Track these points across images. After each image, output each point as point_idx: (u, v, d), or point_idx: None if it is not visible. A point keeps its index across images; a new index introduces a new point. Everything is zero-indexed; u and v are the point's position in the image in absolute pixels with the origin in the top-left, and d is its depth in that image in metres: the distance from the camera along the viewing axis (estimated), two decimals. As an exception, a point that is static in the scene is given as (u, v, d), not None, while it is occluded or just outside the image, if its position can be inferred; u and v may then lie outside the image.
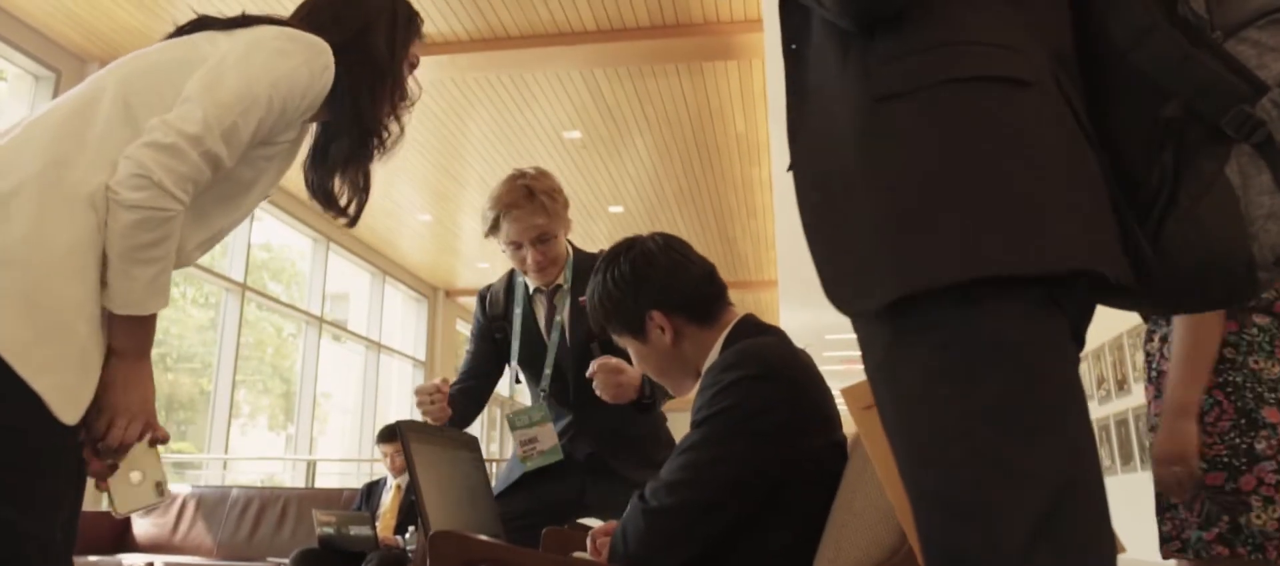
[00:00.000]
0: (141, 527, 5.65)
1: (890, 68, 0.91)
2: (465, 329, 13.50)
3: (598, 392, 2.08)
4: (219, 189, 1.36)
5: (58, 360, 1.17)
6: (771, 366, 1.46)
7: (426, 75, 6.47)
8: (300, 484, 8.82)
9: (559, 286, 2.43)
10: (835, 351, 12.73)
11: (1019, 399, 0.82)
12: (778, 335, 1.59)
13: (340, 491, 5.30)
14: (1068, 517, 0.79)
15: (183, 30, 1.46)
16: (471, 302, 10.34)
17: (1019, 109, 0.88)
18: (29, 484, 1.18)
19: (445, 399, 2.25)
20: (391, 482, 5.03)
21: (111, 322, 1.26)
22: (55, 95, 6.16)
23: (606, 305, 1.66)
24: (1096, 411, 6.61)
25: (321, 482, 8.74)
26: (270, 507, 5.12)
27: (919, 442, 0.86)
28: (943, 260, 0.83)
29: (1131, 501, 5.80)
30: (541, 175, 2.38)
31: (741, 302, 12.84)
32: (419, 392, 2.25)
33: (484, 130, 7.52)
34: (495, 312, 2.50)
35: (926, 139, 0.87)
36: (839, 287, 0.92)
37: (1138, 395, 5.87)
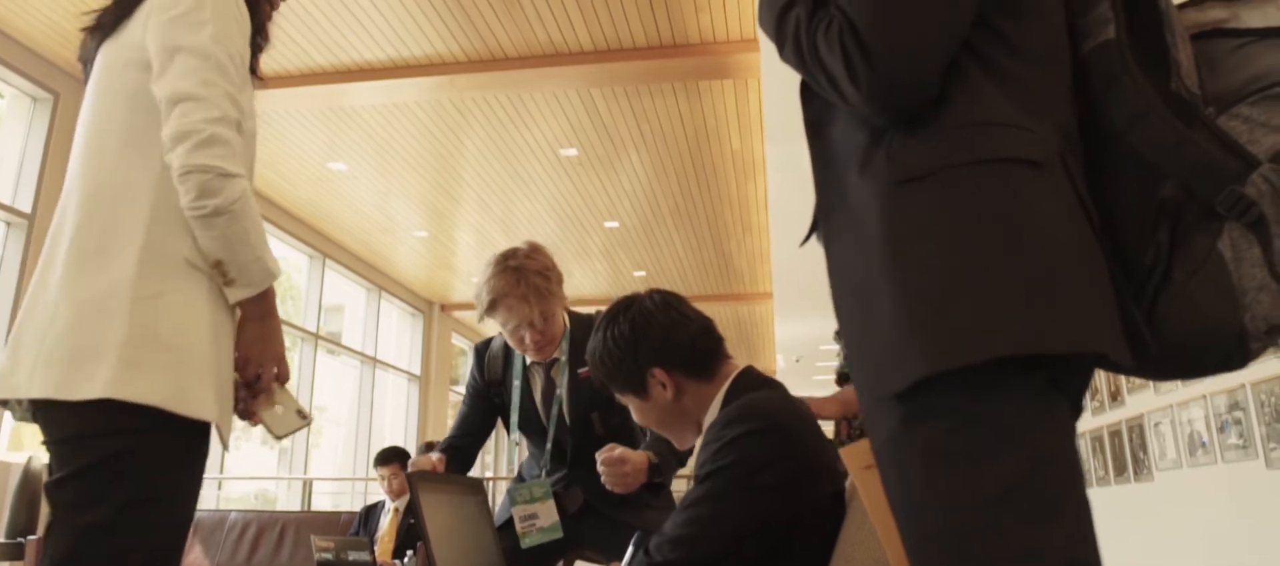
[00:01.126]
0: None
1: (913, 152, 0.93)
2: (461, 342, 13.52)
3: (606, 486, 2.05)
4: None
5: (202, 386, 1.37)
6: (773, 420, 1.48)
7: (423, 94, 6.50)
8: (295, 501, 8.80)
9: (556, 359, 2.41)
10: (829, 361, 12.74)
11: (1026, 483, 0.84)
12: (778, 388, 1.62)
13: (339, 515, 5.28)
14: None
15: (87, 61, 1.59)
16: (468, 316, 10.36)
17: (1032, 193, 0.90)
18: (196, 482, 1.42)
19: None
20: (389, 506, 5.02)
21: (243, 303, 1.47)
22: (53, 117, 6.18)
23: (607, 364, 1.68)
24: (1090, 422, 6.65)
25: (316, 500, 8.72)
26: (268, 531, 5.11)
27: (926, 523, 0.88)
28: (963, 341, 0.85)
29: (1125, 512, 5.81)
30: (533, 254, 2.35)
31: (737, 315, 12.85)
32: (415, 464, 2.25)
33: (480, 148, 7.54)
34: (493, 378, 2.49)
35: (944, 224, 0.90)
36: (867, 374, 0.94)
37: (1131, 406, 5.89)
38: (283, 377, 1.56)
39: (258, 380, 1.51)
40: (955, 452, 0.86)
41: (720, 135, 7.19)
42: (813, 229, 1.07)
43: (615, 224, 9.35)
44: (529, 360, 2.43)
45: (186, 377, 1.36)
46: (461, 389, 12.29)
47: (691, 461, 1.84)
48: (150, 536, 1.34)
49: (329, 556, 4.03)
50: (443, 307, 12.46)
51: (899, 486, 0.91)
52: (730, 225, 9.35)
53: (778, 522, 1.44)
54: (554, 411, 2.37)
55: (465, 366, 13.66)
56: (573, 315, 2.48)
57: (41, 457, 4.71)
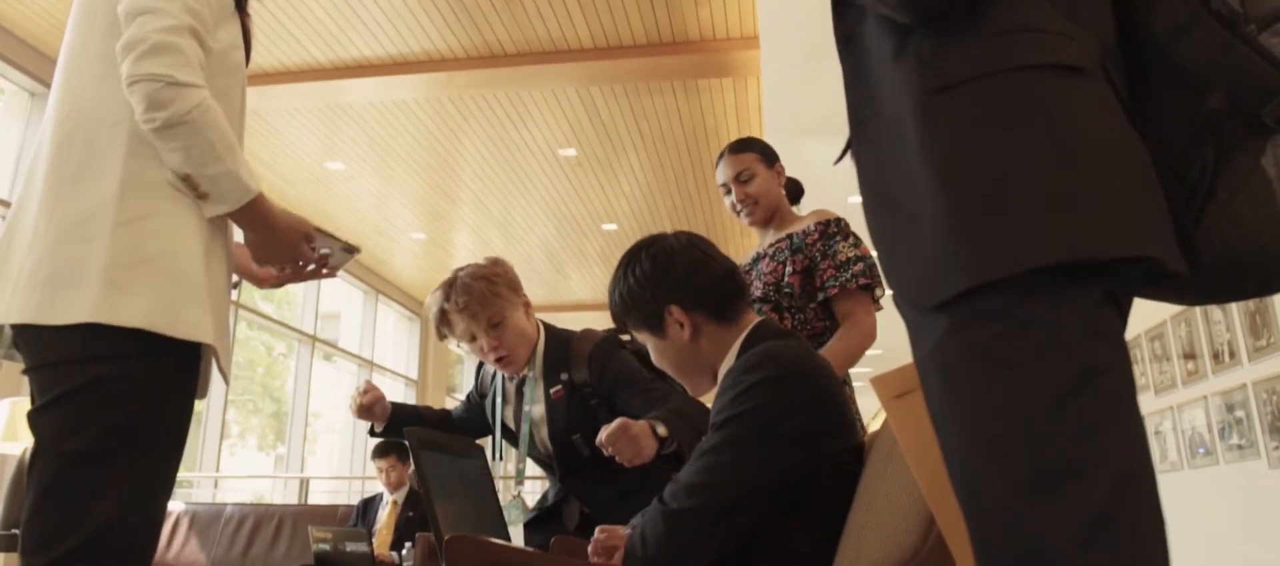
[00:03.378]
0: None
1: (945, 59, 0.91)
2: (457, 348, 13.45)
3: (619, 460, 1.88)
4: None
5: (196, 308, 1.34)
6: (793, 368, 1.46)
7: (421, 92, 6.49)
8: (292, 501, 8.76)
9: (525, 376, 2.31)
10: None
11: (1079, 391, 0.82)
12: (796, 339, 1.59)
13: (335, 508, 5.25)
14: (1127, 508, 0.80)
15: None
16: (466, 320, 10.04)
17: (1078, 96, 0.88)
18: (188, 409, 1.39)
19: (375, 397, 2.32)
20: (387, 498, 4.99)
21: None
22: (49, 111, 6.15)
23: (626, 300, 1.66)
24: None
25: (313, 500, 8.67)
26: (265, 525, 5.07)
27: (978, 431, 0.85)
28: (1017, 248, 0.83)
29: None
30: (481, 265, 2.30)
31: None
32: (352, 400, 2.31)
33: (479, 148, 7.52)
34: (484, 389, 2.49)
35: (988, 132, 0.87)
36: (909, 285, 0.92)
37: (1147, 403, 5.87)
38: (305, 258, 1.57)
39: (279, 277, 1.56)
40: (1007, 357, 0.84)
41: (719, 133, 7.19)
42: (846, 151, 1.06)
43: (613, 227, 9.33)
44: (506, 376, 2.36)
45: (178, 298, 1.32)
46: (459, 395, 12.23)
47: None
48: (139, 466, 1.29)
49: (326, 548, 4.00)
50: (440, 311, 12.41)
51: (945, 394, 0.89)
52: (728, 225, 9.34)
53: (795, 476, 1.41)
54: (524, 430, 2.28)
55: (462, 373, 13.64)
56: (549, 329, 2.36)
57: (36, 449, 4.68)
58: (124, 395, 1.29)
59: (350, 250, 1.62)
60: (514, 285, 2.29)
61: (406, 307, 11.81)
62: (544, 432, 2.27)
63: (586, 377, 2.22)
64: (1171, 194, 0.93)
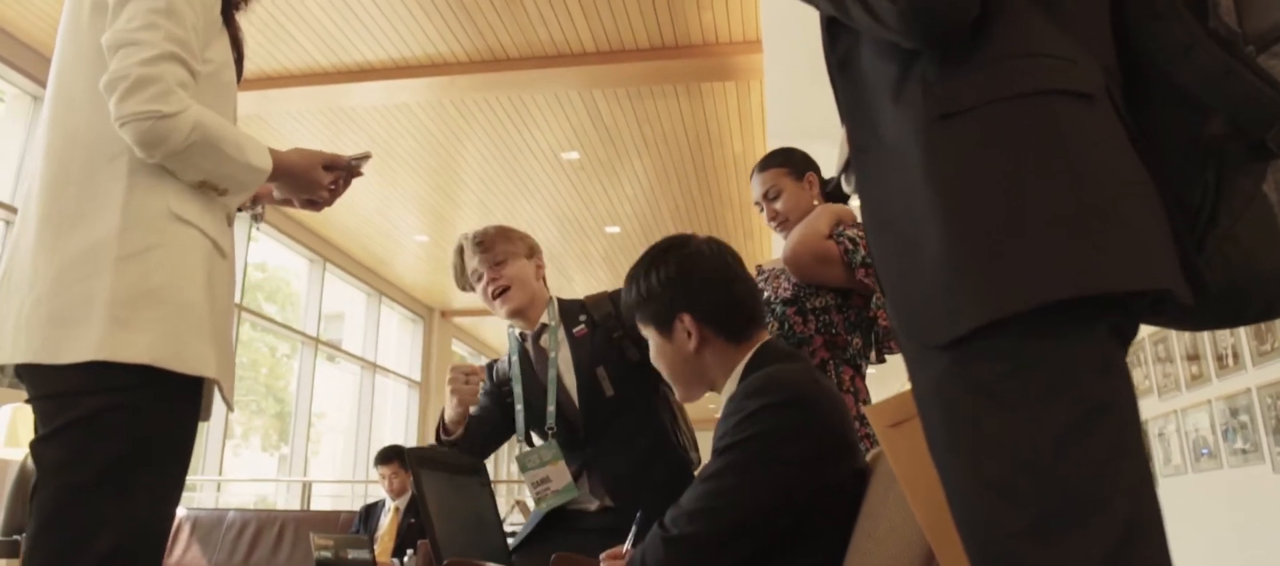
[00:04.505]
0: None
1: (950, 85, 0.89)
2: (461, 349, 13.48)
3: None
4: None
5: (200, 341, 1.34)
6: (796, 393, 1.44)
7: (424, 96, 6.48)
8: (295, 505, 8.75)
9: (545, 326, 2.41)
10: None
11: (1085, 432, 0.80)
12: (801, 361, 1.58)
13: (337, 514, 5.25)
14: (1136, 551, 0.78)
15: None
16: (468, 323, 10.32)
17: (1086, 125, 0.86)
18: (189, 443, 1.38)
19: (480, 382, 2.27)
20: (390, 505, 4.99)
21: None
22: (52, 115, 6.15)
23: (640, 294, 1.64)
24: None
25: (315, 505, 8.67)
26: (267, 530, 5.07)
27: (982, 470, 0.83)
28: (1027, 283, 0.81)
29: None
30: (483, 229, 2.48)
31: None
32: (455, 370, 2.25)
33: (482, 151, 7.52)
34: (501, 378, 2.49)
35: (994, 161, 0.85)
36: (912, 320, 0.89)
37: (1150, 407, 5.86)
38: (325, 185, 1.64)
39: (305, 206, 1.63)
40: (1010, 396, 0.82)
41: (722, 137, 7.17)
42: (842, 169, 1.04)
43: (616, 229, 9.32)
44: (519, 333, 2.45)
45: (182, 332, 1.31)
46: (462, 395, 12.14)
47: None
48: (140, 497, 1.29)
49: (328, 554, 3.99)
50: (443, 314, 12.42)
51: (947, 431, 0.87)
52: (731, 229, 9.33)
53: (796, 502, 1.40)
54: (551, 375, 2.34)
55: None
56: (559, 299, 2.49)
57: (38, 455, 4.68)
58: (126, 427, 1.28)
59: (363, 158, 1.70)
60: (530, 245, 2.46)
61: (409, 309, 11.81)
62: (569, 378, 2.33)
63: (610, 311, 2.37)
64: (1173, 219, 0.91)
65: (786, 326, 2.29)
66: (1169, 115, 0.93)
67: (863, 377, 2.34)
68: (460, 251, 2.47)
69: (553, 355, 2.36)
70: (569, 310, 2.43)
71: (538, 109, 6.78)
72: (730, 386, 1.57)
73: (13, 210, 5.97)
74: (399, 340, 11.94)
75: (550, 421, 2.31)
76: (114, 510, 1.26)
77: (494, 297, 2.39)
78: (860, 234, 2.31)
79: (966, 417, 0.85)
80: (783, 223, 2.47)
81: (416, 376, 11.97)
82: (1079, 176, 0.83)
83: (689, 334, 1.59)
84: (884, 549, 1.21)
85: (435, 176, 8.03)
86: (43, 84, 6.07)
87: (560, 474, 2.25)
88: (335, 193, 1.66)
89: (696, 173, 7.89)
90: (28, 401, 1.37)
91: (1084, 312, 0.81)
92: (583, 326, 2.38)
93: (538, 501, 2.25)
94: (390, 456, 4.98)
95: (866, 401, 2.30)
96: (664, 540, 1.40)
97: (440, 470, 1.52)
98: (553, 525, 2.27)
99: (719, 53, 5.88)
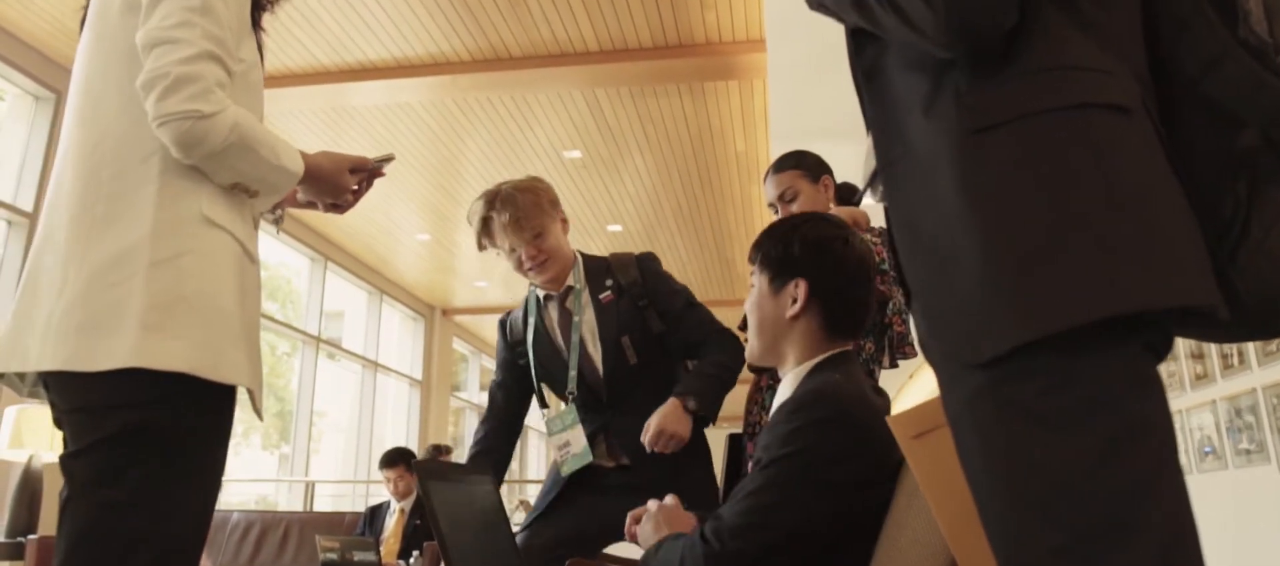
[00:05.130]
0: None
1: (984, 97, 0.87)
2: (462, 348, 13.45)
3: (663, 452, 2.07)
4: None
5: (233, 349, 1.31)
6: (843, 410, 1.42)
7: (426, 95, 6.47)
8: (297, 504, 8.74)
9: (571, 288, 2.40)
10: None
11: (1125, 448, 0.79)
12: (847, 374, 1.55)
13: (343, 515, 5.23)
14: None
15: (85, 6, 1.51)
16: (469, 321, 10.28)
17: (1124, 139, 0.85)
18: (224, 456, 1.37)
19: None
20: (395, 506, 4.98)
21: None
22: (55, 116, 6.13)
23: (778, 239, 1.62)
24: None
25: (317, 503, 8.67)
26: (272, 532, 5.05)
27: (1018, 489, 0.82)
28: (1069, 301, 0.80)
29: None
30: (521, 182, 2.41)
31: (736, 319, 12.89)
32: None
33: (483, 149, 7.50)
34: (515, 338, 2.45)
35: (1032, 176, 0.84)
36: (946, 336, 0.88)
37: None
38: (351, 188, 1.63)
39: (333, 209, 1.61)
40: (1047, 415, 0.80)
41: (725, 136, 7.16)
42: (870, 183, 1.03)
43: (618, 228, 9.31)
44: (541, 295, 2.42)
45: (217, 340, 1.28)
46: (463, 395, 12.12)
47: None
48: (175, 516, 1.26)
49: (334, 557, 3.99)
50: (444, 312, 12.41)
51: (980, 452, 0.85)
52: (733, 228, 9.31)
53: (839, 525, 1.38)
54: (574, 339, 2.33)
55: (466, 372, 13.61)
56: (584, 255, 2.48)
57: (43, 457, 4.66)
58: (162, 442, 1.25)
59: (386, 159, 1.68)
60: (554, 201, 2.43)
61: (411, 308, 11.80)
62: (593, 345, 2.33)
63: (636, 277, 2.37)
64: (1206, 231, 0.90)
65: None
66: (1199, 126, 0.92)
67: (876, 382, 2.32)
68: (487, 218, 2.37)
69: (577, 319, 2.35)
70: (595, 271, 2.40)
71: (540, 108, 6.77)
72: (789, 381, 1.56)
73: (13, 209, 5.96)
74: (400, 338, 11.93)
75: (571, 386, 2.31)
76: (151, 526, 1.23)
77: (531, 270, 2.36)
78: (874, 239, 2.29)
79: (1001, 436, 0.83)
80: None
81: (417, 375, 11.96)
82: (1118, 193, 0.82)
83: (794, 299, 1.57)
84: (906, 558, 1.20)
85: (437, 175, 8.02)
86: (45, 84, 6.07)
87: (577, 438, 2.27)
88: (357, 195, 1.65)
89: (699, 172, 7.88)
90: (56, 415, 1.34)
91: (1120, 329, 0.80)
92: (609, 292, 2.37)
93: (559, 464, 2.28)
94: (395, 459, 4.97)
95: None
96: (705, 555, 1.38)
97: (450, 482, 1.51)
98: (572, 483, 2.30)
99: (722, 52, 5.86)
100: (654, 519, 1.57)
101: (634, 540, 1.58)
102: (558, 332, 2.37)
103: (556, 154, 7.54)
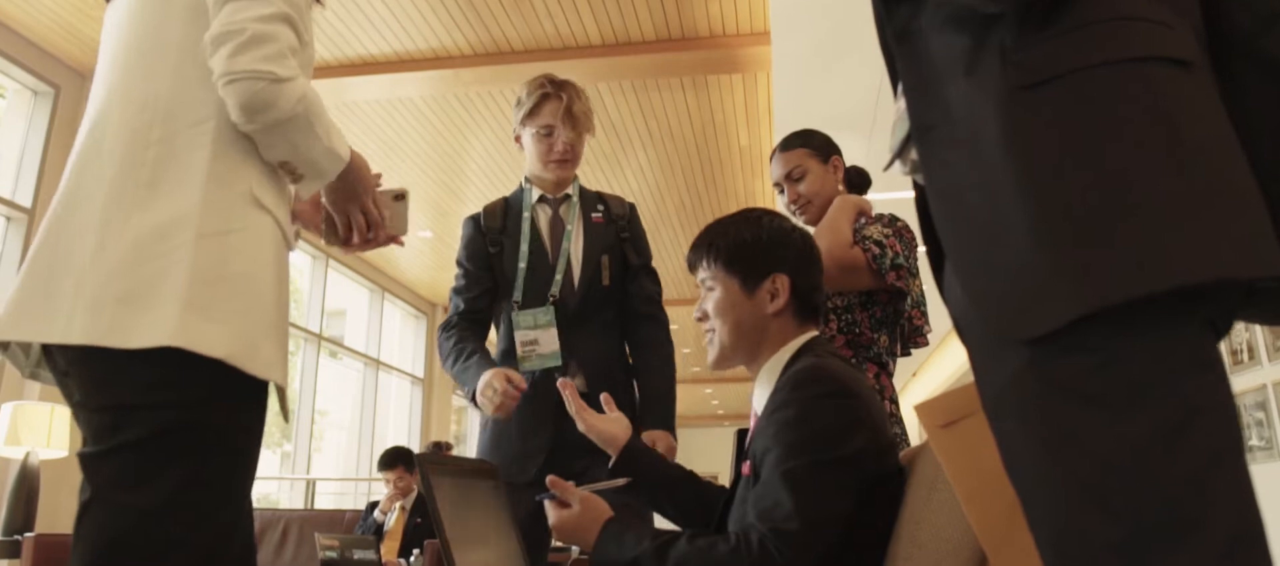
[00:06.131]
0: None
1: (1036, 51, 0.80)
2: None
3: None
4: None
5: (269, 342, 1.22)
6: (845, 385, 1.40)
7: (428, 89, 6.42)
8: (298, 502, 8.70)
9: (568, 196, 2.46)
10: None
11: (1186, 432, 0.72)
12: (824, 354, 1.52)
13: (343, 513, 5.19)
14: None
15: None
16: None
17: (1188, 95, 0.78)
18: (257, 457, 1.28)
19: (518, 397, 2.16)
20: (396, 505, 4.94)
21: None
22: (53, 111, 6.09)
23: (742, 237, 1.59)
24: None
25: (319, 501, 8.63)
26: (271, 530, 5.00)
27: (1069, 479, 0.75)
28: (1132, 270, 0.72)
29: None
30: (576, 87, 2.50)
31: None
32: (496, 379, 2.14)
33: (486, 145, 7.46)
34: (493, 225, 2.47)
35: (1089, 135, 0.77)
36: (992, 311, 0.80)
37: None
38: (369, 211, 1.52)
39: (357, 232, 1.51)
40: (1100, 397, 0.73)
41: (728, 130, 7.11)
42: (899, 152, 0.96)
43: (621, 223, 9.25)
44: (536, 193, 2.46)
45: (255, 330, 1.19)
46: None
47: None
48: (210, 522, 1.16)
49: (334, 555, 3.94)
50: (446, 309, 12.34)
51: (1024, 437, 0.78)
52: (737, 224, 9.25)
53: (861, 497, 1.32)
54: (564, 246, 2.38)
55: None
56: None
57: (40, 453, 4.62)
58: (197, 439, 1.16)
59: (400, 197, 1.62)
60: (592, 129, 2.54)
61: (413, 306, 11.76)
62: (576, 258, 2.38)
63: (625, 212, 2.50)
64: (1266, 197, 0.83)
65: None
66: (1255, 88, 0.85)
67: (889, 376, 2.27)
68: (548, 94, 2.41)
69: (569, 229, 2.41)
70: (588, 197, 2.49)
71: (542, 103, 6.70)
72: (770, 371, 1.52)
73: (12, 205, 5.92)
74: (402, 336, 11.90)
75: (555, 289, 2.33)
76: (184, 533, 1.14)
77: (555, 162, 2.40)
78: (883, 232, 2.24)
79: (1049, 419, 0.76)
80: (805, 205, 2.39)
81: (419, 373, 11.92)
82: (1183, 152, 0.75)
83: (774, 295, 1.55)
84: (927, 554, 1.14)
85: (439, 171, 7.97)
86: (44, 79, 6.03)
87: (550, 341, 2.29)
88: (368, 230, 1.55)
89: (702, 166, 7.83)
90: (75, 407, 1.22)
91: (1180, 303, 0.74)
92: (599, 215, 2.46)
93: (522, 359, 2.29)
94: (394, 460, 4.93)
95: (893, 399, 2.24)
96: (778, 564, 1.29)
97: (452, 476, 1.46)
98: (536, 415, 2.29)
99: (726, 44, 5.81)
100: (581, 512, 1.50)
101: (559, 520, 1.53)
102: (548, 236, 2.42)
103: (559, 149, 7.49)
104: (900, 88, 0.95)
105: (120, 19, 1.34)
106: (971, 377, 0.92)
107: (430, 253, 10.33)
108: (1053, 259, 0.75)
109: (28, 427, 4.39)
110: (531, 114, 2.42)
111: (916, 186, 0.98)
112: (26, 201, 5.98)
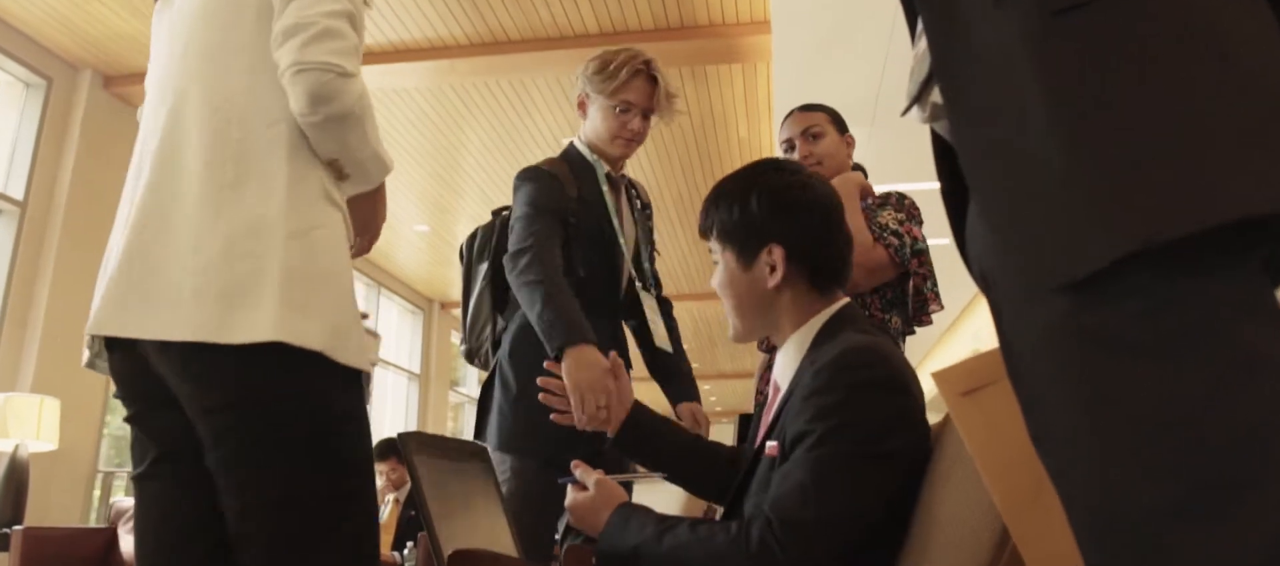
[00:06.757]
0: (129, 544, 5.46)
1: None
2: (459, 341, 13.29)
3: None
4: None
5: (355, 333, 1.28)
6: (896, 374, 1.29)
7: (423, 81, 6.36)
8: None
9: (625, 177, 2.40)
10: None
11: (1245, 383, 0.64)
12: (866, 330, 1.42)
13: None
14: None
15: None
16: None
17: (1235, 14, 0.70)
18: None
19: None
20: (389, 497, 4.89)
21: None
22: (46, 103, 6.04)
23: (731, 213, 1.47)
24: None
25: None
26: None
27: (1114, 438, 0.68)
28: (1180, 205, 0.65)
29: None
30: None
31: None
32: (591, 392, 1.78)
33: (482, 137, 7.40)
34: (572, 192, 2.25)
35: (1131, 58, 0.70)
36: (1028, 257, 0.72)
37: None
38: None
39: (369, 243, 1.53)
40: (1148, 345, 0.66)
41: (727, 122, 7.06)
42: (918, 96, 0.89)
43: (619, 218, 9.20)
44: (604, 168, 2.33)
45: (344, 321, 1.24)
46: (463, 389, 11.98)
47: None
48: (347, 506, 1.22)
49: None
50: (443, 305, 12.32)
51: (1061, 396, 0.71)
52: (736, 219, 9.21)
53: (891, 500, 1.25)
54: (630, 231, 2.35)
55: (464, 366, 13.49)
56: None
57: (29, 446, 4.56)
58: (313, 435, 1.21)
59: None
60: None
61: (409, 301, 11.71)
62: (628, 244, 2.33)
63: (649, 203, 2.49)
64: None
65: None
66: None
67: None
68: (639, 71, 2.27)
69: (624, 215, 2.36)
70: (629, 183, 2.44)
71: (540, 93, 6.66)
72: (798, 343, 1.43)
73: (4, 197, 5.86)
74: (398, 332, 11.85)
75: (606, 273, 2.29)
76: (336, 517, 1.21)
77: (629, 140, 2.29)
78: (897, 217, 2.21)
79: (1091, 374, 0.69)
80: (815, 165, 2.32)
81: (416, 369, 11.88)
82: (1238, 75, 0.68)
83: (773, 268, 1.43)
84: (946, 534, 1.08)
85: (435, 164, 7.92)
86: (37, 71, 5.97)
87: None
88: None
89: (701, 159, 7.78)
90: (129, 417, 1.28)
91: (1237, 240, 0.66)
92: (642, 207, 2.45)
93: None
94: (386, 451, 4.89)
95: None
96: (763, 560, 1.21)
97: (438, 457, 1.40)
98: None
99: (725, 34, 5.75)
100: (594, 496, 1.44)
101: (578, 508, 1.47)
102: (614, 215, 2.31)
103: (557, 141, 7.43)
104: (919, 28, 0.89)
105: (185, 21, 1.37)
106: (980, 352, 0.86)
107: (426, 248, 10.27)
108: (1093, 194, 0.68)
109: (17, 420, 4.33)
110: (620, 87, 2.24)
111: (935, 136, 0.91)
112: (18, 195, 5.91)
